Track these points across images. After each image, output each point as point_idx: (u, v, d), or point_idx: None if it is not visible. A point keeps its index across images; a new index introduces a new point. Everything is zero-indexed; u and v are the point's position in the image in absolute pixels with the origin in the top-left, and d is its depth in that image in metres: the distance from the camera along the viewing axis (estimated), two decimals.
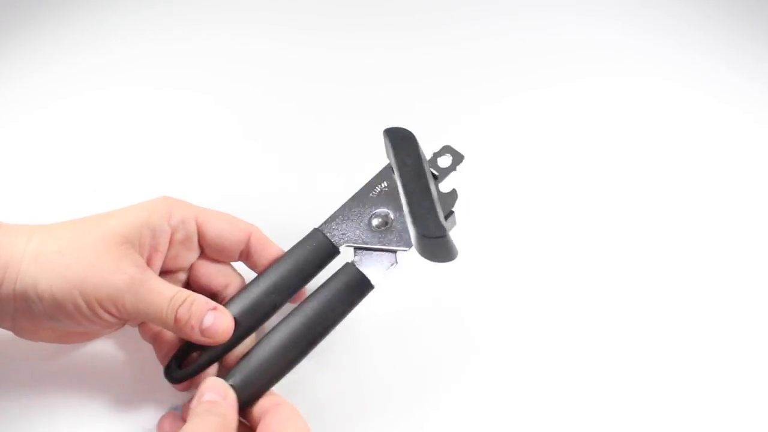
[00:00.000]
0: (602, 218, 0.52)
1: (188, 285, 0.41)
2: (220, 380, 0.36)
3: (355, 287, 0.39)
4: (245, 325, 0.38)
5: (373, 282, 0.39)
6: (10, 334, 0.37)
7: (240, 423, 0.36)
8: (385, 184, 0.42)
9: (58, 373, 0.41)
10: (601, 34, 0.66)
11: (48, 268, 0.34)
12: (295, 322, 0.38)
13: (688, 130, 0.58)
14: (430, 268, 0.40)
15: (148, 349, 0.40)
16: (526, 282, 0.48)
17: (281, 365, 0.37)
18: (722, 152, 0.57)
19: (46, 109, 0.58)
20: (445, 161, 0.42)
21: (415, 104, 0.60)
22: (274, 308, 0.39)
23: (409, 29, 0.67)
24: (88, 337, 0.40)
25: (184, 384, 0.38)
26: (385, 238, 0.40)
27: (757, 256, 0.50)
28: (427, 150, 0.43)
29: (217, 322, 0.36)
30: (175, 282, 0.40)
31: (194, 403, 0.34)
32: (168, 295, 0.36)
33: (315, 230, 0.41)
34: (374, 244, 0.40)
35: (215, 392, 0.35)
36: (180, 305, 0.36)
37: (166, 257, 0.39)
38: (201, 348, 0.38)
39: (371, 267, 0.39)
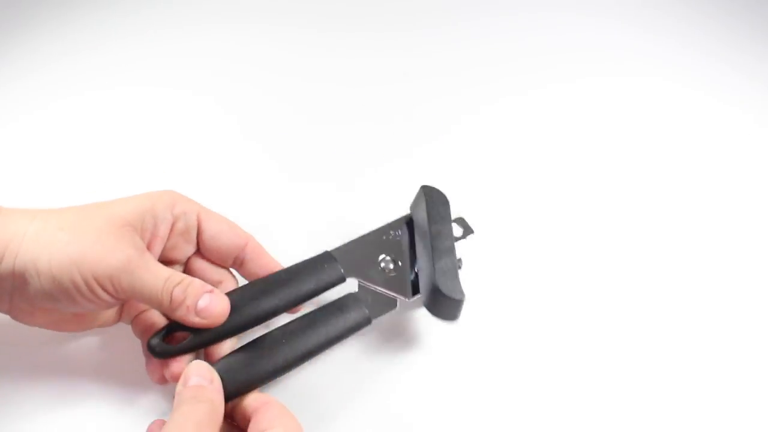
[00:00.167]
0: (602, 218, 0.52)
1: None
2: (205, 363, 0.36)
3: (358, 322, 0.40)
4: (241, 320, 0.38)
5: (372, 319, 0.40)
6: (6, 318, 0.38)
7: (229, 424, 0.36)
8: (399, 233, 0.44)
9: (50, 366, 0.41)
10: (601, 34, 0.66)
11: (48, 244, 0.34)
12: (297, 337, 0.38)
13: (688, 130, 0.58)
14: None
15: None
16: (525, 282, 0.48)
17: (269, 371, 0.37)
18: (722, 152, 0.57)
19: (46, 109, 0.58)
20: (455, 231, 0.44)
21: (415, 104, 0.60)
22: (272, 314, 0.39)
23: (409, 29, 0.67)
24: (84, 325, 0.40)
25: (160, 375, 0.37)
26: (391, 282, 0.41)
27: (757, 255, 0.50)
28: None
29: (213, 303, 0.37)
30: None
31: (179, 387, 0.34)
32: (164, 276, 0.36)
33: (327, 253, 0.42)
34: (379, 285, 0.41)
35: (201, 376, 0.34)
36: (176, 285, 0.36)
37: (165, 246, 0.40)
38: (189, 330, 0.37)
39: (372, 304, 0.41)
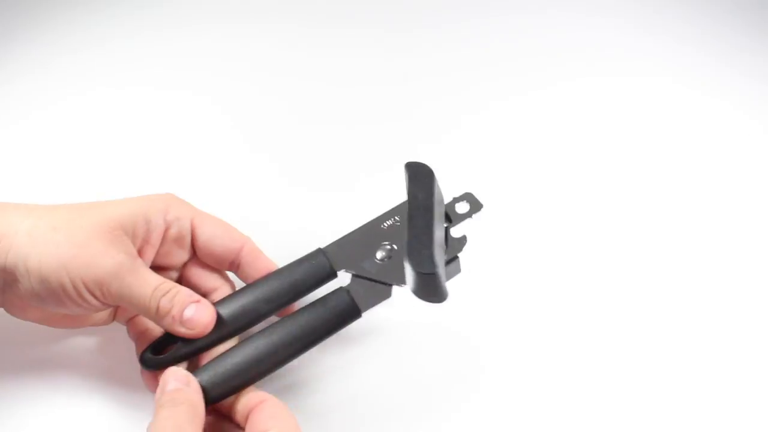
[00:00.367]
0: (603, 218, 0.52)
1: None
2: (180, 368, 0.36)
3: (343, 313, 0.39)
4: (229, 327, 0.38)
5: (362, 311, 0.39)
6: (4, 317, 0.38)
7: (228, 422, 0.37)
8: (397, 219, 0.42)
9: (50, 365, 0.42)
10: (601, 34, 0.66)
11: (40, 243, 0.35)
12: (277, 334, 0.38)
13: (688, 130, 0.58)
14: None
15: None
16: (525, 282, 0.48)
17: (252, 372, 0.37)
18: (722, 152, 0.57)
19: (46, 110, 0.58)
20: (462, 207, 0.41)
21: (415, 104, 0.60)
22: (260, 317, 0.39)
23: (409, 29, 0.67)
24: (76, 323, 0.40)
25: (154, 382, 0.37)
26: (384, 270, 0.40)
27: (758, 255, 0.50)
28: (451, 189, 0.42)
29: (198, 313, 0.37)
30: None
31: (158, 395, 0.34)
32: (153, 285, 0.36)
33: (318, 250, 0.41)
34: (372, 275, 0.40)
35: (177, 380, 0.34)
36: (163, 295, 0.36)
37: (157, 253, 0.39)
38: (181, 341, 0.37)
39: (363, 296, 0.39)
